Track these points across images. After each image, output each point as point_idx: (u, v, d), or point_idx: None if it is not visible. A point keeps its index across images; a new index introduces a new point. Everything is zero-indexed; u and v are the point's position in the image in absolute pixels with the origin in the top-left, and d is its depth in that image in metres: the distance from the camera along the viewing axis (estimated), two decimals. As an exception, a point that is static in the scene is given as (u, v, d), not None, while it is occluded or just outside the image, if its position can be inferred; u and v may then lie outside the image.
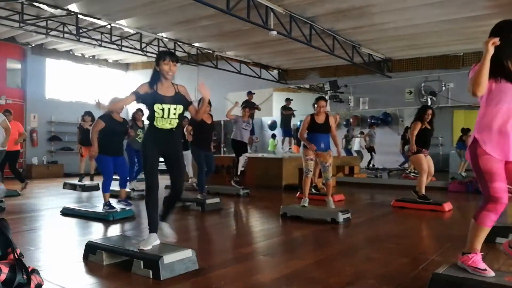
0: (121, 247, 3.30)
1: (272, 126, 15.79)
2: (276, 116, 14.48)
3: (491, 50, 2.42)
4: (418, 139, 6.29)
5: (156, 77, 3.34)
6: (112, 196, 5.86)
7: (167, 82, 3.36)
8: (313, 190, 7.23)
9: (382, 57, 11.48)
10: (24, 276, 2.45)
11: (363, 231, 4.99)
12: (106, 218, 5.24)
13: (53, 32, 10.30)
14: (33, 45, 12.88)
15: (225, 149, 14.61)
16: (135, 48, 10.91)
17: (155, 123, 3.32)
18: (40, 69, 13.33)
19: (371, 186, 10.25)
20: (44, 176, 12.42)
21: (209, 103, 6.01)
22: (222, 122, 14.78)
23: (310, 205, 5.63)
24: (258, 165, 9.83)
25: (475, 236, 2.60)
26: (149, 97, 3.29)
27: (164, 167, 3.50)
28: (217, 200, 6.51)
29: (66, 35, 10.22)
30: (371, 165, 13.54)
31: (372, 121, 13.71)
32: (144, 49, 10.91)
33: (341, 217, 5.12)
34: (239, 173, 8.39)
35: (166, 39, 10.69)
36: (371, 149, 13.40)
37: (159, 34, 10.37)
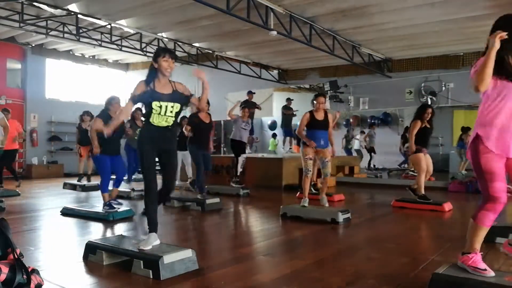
0: (121, 247, 3.30)
1: (272, 126, 15.77)
2: (277, 116, 14.47)
3: (497, 44, 2.40)
4: (418, 138, 6.28)
5: (153, 74, 3.33)
6: (119, 196, 5.80)
7: (165, 79, 3.36)
8: (312, 189, 7.22)
9: (382, 57, 11.48)
10: (24, 276, 2.44)
11: (363, 231, 5.00)
12: (106, 218, 5.25)
13: (53, 32, 10.31)
14: (33, 45, 12.89)
15: (225, 149, 14.59)
16: (135, 48, 10.92)
17: (151, 120, 3.32)
18: (40, 69, 13.34)
19: (371, 186, 10.25)
20: (44, 176, 12.42)
21: (208, 102, 6.01)
22: (222, 122, 14.77)
23: (310, 205, 5.62)
24: (258, 165, 9.82)
25: (474, 236, 2.60)
26: (146, 95, 3.28)
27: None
28: (217, 200, 6.51)
29: (66, 35, 10.23)
30: (371, 166, 13.52)
31: (372, 121, 13.68)
32: (144, 49, 10.91)
33: (341, 217, 5.12)
34: (238, 173, 8.39)
35: (166, 39, 10.69)
36: (371, 150, 13.38)
37: (159, 34, 10.37)
